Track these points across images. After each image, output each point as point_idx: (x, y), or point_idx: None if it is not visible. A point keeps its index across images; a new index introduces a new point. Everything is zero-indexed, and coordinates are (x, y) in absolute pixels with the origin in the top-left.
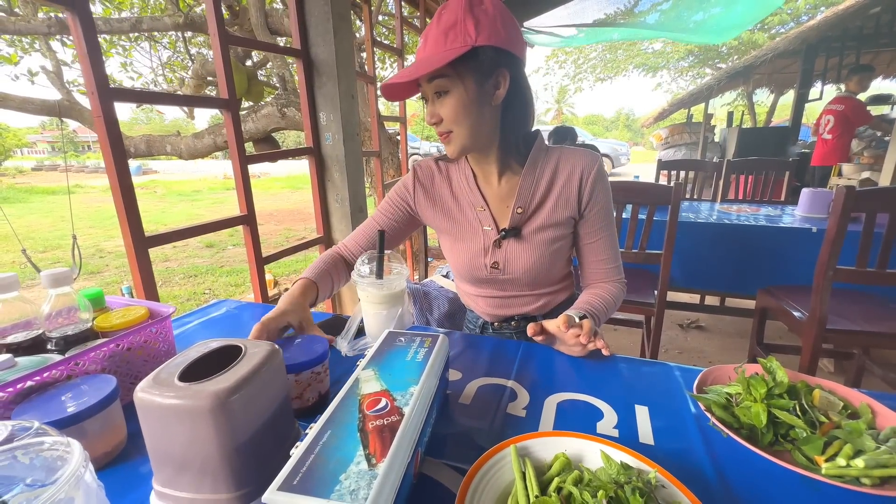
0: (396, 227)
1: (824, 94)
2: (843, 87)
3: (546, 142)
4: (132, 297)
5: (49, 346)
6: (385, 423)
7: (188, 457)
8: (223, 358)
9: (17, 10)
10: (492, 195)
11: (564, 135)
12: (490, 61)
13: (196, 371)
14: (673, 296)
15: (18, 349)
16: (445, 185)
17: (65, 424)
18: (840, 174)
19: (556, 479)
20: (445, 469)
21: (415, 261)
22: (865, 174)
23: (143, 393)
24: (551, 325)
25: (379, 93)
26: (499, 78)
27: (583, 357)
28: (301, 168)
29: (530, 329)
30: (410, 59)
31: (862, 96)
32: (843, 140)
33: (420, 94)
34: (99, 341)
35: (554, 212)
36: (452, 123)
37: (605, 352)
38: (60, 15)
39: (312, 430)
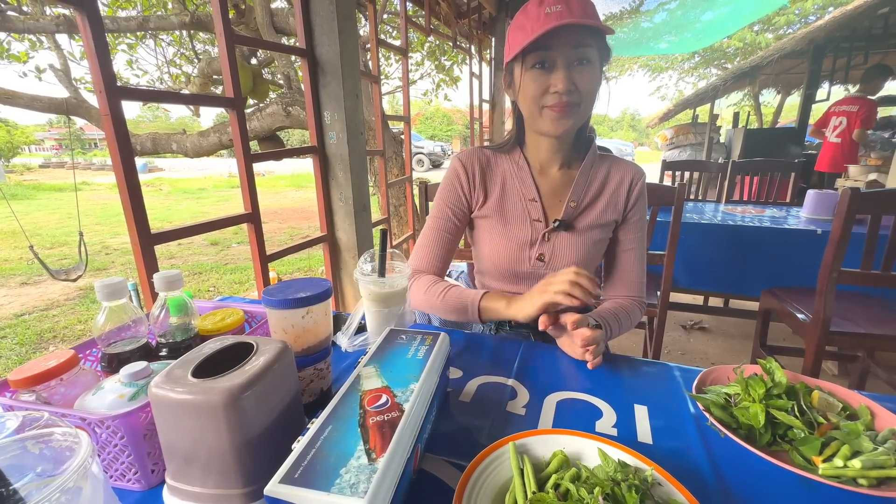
0: (459, 227)
1: (832, 95)
2: (850, 87)
3: None
4: (138, 294)
5: (162, 353)
6: (385, 419)
7: (200, 452)
8: (235, 355)
9: (25, 7)
10: (546, 187)
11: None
12: (607, 49)
13: (209, 367)
14: (676, 297)
15: (130, 358)
16: (497, 174)
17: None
18: (847, 175)
19: (554, 476)
20: (445, 465)
21: None
22: (872, 176)
23: (157, 389)
24: (567, 318)
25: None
26: (605, 66)
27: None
28: (305, 166)
29: (543, 322)
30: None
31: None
32: (855, 144)
33: (536, 54)
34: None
35: (604, 212)
36: (586, 96)
37: (589, 366)
38: (69, 13)
39: (314, 424)
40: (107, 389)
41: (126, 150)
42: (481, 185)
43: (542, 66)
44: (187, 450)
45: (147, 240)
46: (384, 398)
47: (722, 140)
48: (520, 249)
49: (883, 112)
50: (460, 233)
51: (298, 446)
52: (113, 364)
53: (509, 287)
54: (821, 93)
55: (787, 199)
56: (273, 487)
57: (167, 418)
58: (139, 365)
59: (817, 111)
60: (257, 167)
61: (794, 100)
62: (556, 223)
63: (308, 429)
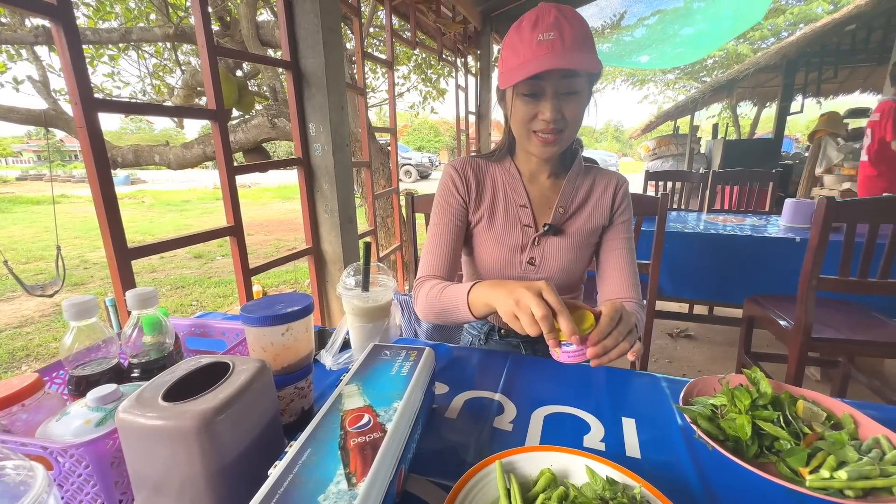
0: (462, 228)
1: (805, 107)
2: (822, 100)
3: None
4: (116, 310)
5: (134, 374)
6: (367, 440)
7: (172, 481)
8: (210, 376)
9: (3, 19)
10: (536, 194)
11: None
12: (599, 69)
13: (181, 390)
14: (661, 305)
15: (100, 381)
16: (488, 181)
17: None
18: (822, 185)
19: (542, 496)
20: (430, 486)
21: (405, 271)
22: (846, 185)
23: (126, 413)
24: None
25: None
26: (592, 93)
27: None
28: (292, 178)
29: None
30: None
31: (840, 109)
32: (881, 166)
33: (528, 85)
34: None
35: (590, 217)
36: (571, 123)
37: (592, 362)
38: (47, 24)
39: (292, 448)
40: (72, 415)
41: (102, 162)
42: (475, 189)
43: (532, 95)
44: (157, 478)
45: (123, 254)
46: (366, 418)
47: (702, 151)
48: (511, 254)
49: (854, 123)
50: (463, 234)
51: (275, 472)
52: (81, 387)
53: None
54: (794, 105)
55: (766, 208)
56: None
57: (136, 445)
58: (108, 388)
59: (792, 123)
60: (244, 179)
61: (770, 112)
62: (546, 227)
63: (286, 453)
